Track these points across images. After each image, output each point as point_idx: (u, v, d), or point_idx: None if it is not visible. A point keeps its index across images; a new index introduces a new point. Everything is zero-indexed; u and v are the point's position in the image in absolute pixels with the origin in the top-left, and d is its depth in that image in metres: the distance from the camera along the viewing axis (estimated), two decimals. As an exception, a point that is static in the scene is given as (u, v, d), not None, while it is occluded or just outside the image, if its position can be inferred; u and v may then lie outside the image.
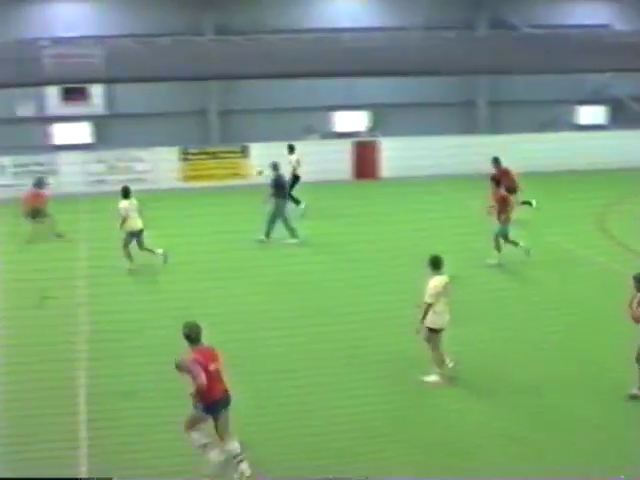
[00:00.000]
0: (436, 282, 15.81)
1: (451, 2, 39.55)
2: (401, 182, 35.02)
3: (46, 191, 29.45)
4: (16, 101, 36.72)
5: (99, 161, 37.33)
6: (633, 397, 15.18)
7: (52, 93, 37.14)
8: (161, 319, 17.86)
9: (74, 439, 13.85)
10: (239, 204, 29.84)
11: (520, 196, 27.58)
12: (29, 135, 37.33)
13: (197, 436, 12.88)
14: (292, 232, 26.74)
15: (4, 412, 14.19)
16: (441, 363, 16.16)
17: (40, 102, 37.50)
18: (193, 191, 35.79)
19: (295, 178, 31.34)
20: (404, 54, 8.52)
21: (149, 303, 19.27)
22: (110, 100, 38.35)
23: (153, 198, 30.31)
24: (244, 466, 12.78)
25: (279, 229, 26.96)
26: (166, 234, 24.70)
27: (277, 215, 26.78)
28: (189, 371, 12.48)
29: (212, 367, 12.62)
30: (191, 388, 12.59)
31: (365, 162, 39.20)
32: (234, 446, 12.82)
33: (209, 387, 12.47)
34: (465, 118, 41.70)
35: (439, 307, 15.83)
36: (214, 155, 38.10)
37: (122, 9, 38.36)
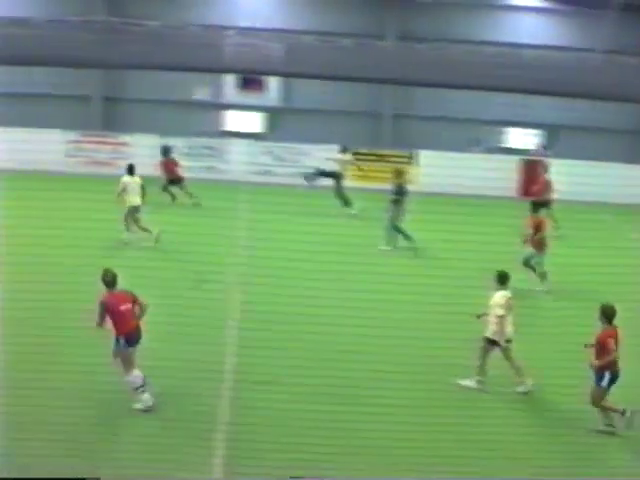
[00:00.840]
0: (502, 296, 16.29)
1: (638, 27, 38.53)
2: (564, 205, 34.27)
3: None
4: (194, 85, 37.60)
5: (267, 152, 37.77)
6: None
7: (229, 81, 37.88)
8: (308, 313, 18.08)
9: (213, 422, 14.01)
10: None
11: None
12: (203, 119, 38.20)
13: (136, 378, 14.59)
14: (391, 239, 26.38)
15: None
16: (521, 373, 16.48)
17: (217, 89, 38.29)
18: (357, 191, 35.66)
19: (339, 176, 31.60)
20: (586, 76, 8.35)
21: (295, 298, 19.40)
22: (286, 93, 38.85)
23: (316, 194, 30.59)
24: (146, 396, 14.58)
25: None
26: (304, 231, 24.99)
27: (393, 221, 26.46)
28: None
29: (123, 307, 14.70)
30: (113, 330, 14.66)
31: (532, 181, 38.50)
32: (137, 377, 14.58)
33: (121, 323, 14.61)
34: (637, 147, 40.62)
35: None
36: (382, 158, 37.87)
37: (306, 4, 38.80)
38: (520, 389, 16.40)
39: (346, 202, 31.15)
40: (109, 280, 14.93)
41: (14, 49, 8.55)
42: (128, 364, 14.64)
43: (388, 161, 37.11)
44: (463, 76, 7.89)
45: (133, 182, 25.32)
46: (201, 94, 38.32)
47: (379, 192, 31.68)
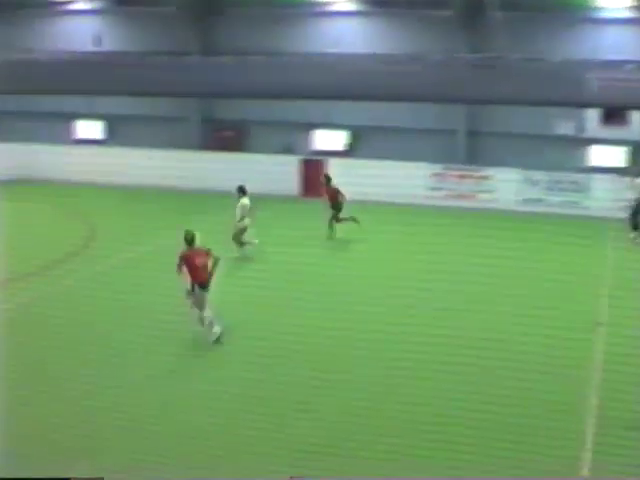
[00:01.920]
0: None
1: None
2: None
3: None
4: (556, 119, 37.48)
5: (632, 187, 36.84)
6: None
7: (592, 115, 37.37)
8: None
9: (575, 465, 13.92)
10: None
11: None
12: (566, 154, 37.97)
13: (209, 315, 18.73)
14: None
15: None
16: None
17: (580, 122, 37.88)
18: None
19: None
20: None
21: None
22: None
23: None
24: (216, 328, 18.87)
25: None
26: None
27: None
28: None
29: (197, 261, 18.67)
30: (188, 278, 18.67)
31: None
32: (208, 314, 18.75)
33: (195, 273, 18.65)
34: None
35: None
36: None
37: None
38: None
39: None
40: (189, 239, 18.80)
41: (377, 85, 9.14)
42: (201, 304, 18.65)
43: None
44: None
45: (249, 204, 27.09)
46: (564, 128, 38.08)
47: None
